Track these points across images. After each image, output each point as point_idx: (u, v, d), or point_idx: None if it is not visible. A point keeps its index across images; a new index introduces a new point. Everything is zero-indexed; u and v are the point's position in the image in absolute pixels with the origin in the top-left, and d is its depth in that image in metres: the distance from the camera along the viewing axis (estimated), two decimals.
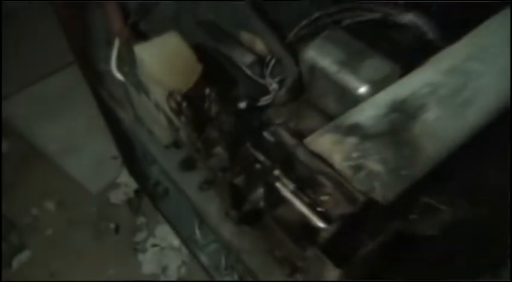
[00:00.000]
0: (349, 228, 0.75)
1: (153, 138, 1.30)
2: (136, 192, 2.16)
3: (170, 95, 0.86)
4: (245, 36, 1.19)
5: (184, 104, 0.86)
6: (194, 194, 1.25)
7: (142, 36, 1.20)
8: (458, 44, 1.00)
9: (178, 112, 0.88)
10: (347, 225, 0.75)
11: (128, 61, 1.17)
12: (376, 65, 1.01)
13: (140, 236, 2.08)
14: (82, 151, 2.30)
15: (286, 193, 0.82)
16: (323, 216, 0.78)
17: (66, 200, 2.18)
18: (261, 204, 0.91)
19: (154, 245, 2.05)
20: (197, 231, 1.79)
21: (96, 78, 1.51)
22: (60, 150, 2.31)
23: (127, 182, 2.18)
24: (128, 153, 1.92)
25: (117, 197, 2.18)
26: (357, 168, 0.79)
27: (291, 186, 0.80)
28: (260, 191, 0.90)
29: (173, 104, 0.87)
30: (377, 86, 0.98)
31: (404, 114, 0.85)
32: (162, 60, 0.91)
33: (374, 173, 0.79)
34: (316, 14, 1.12)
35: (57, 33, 1.50)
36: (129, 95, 1.26)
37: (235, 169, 0.90)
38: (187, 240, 1.87)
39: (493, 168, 1.05)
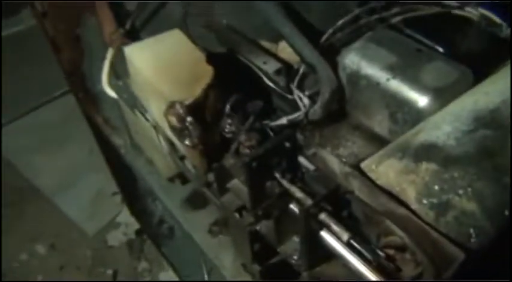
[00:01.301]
0: None
1: (153, 170, 1.07)
2: (138, 232, 1.92)
3: (170, 107, 0.62)
4: (267, 44, 0.97)
5: (188, 119, 0.61)
6: (203, 238, 1.01)
7: None
8: None
9: (180, 131, 0.63)
10: None
11: (122, 74, 0.94)
12: (441, 69, 0.79)
13: None
14: (78, 187, 2.08)
15: (337, 245, 0.56)
16: (391, 276, 0.52)
17: (59, 242, 1.94)
18: (296, 259, 0.65)
19: None
20: (207, 279, 1.53)
21: (90, 102, 1.30)
22: (54, 185, 2.09)
23: (128, 221, 1.93)
24: (128, 188, 1.69)
25: (116, 238, 1.93)
26: (443, 207, 0.54)
27: (345, 236, 0.54)
28: (295, 241, 0.65)
29: (174, 120, 0.62)
30: (445, 96, 0.74)
31: (497, 129, 0.61)
32: (161, 63, 0.69)
33: (467, 214, 0.54)
34: (355, 11, 0.89)
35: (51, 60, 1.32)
36: (124, 117, 1.03)
37: (258, 210, 0.64)
38: None
39: None
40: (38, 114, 2.43)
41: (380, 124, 0.83)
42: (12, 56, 2.45)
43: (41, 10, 1.19)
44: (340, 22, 0.91)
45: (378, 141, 0.81)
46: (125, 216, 1.95)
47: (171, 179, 1.01)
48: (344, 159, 0.82)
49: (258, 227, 0.69)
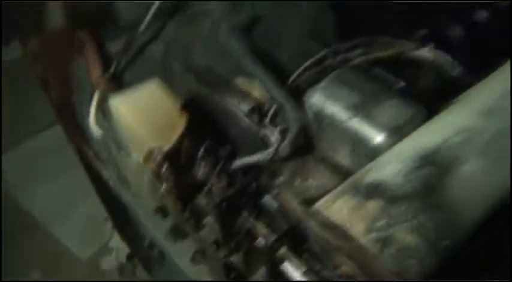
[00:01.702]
0: None
1: (139, 203, 1.14)
2: (129, 257, 1.97)
3: (149, 155, 0.70)
4: (242, 82, 1.05)
5: (165, 166, 0.69)
6: (187, 266, 1.07)
7: (124, 86, 1.06)
8: (492, 79, 0.86)
9: (158, 176, 0.71)
10: None
11: (108, 115, 1.02)
12: (395, 108, 0.86)
13: None
14: (71, 213, 2.13)
15: (297, 276, 0.63)
16: None
17: (53, 268, 1.98)
18: None
19: None
20: None
21: (80, 136, 1.37)
22: (47, 212, 2.14)
23: (119, 246, 1.99)
24: (118, 215, 1.74)
25: (109, 262, 1.98)
26: (387, 240, 0.62)
27: (302, 269, 0.62)
28: (262, 271, 0.72)
29: (153, 166, 0.70)
30: (398, 134, 0.82)
31: (438, 168, 0.69)
32: (140, 114, 0.76)
33: (409, 247, 0.62)
34: (321, 53, 0.98)
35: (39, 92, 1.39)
36: (111, 154, 1.10)
37: (229, 244, 0.72)
38: None
39: None
40: (28, 144, 2.48)
41: (344, 158, 0.91)
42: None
43: (31, 54, 1.27)
44: (306, 63, 0.99)
45: (343, 173, 0.88)
46: (116, 242, 2.00)
47: (155, 211, 1.08)
48: (312, 191, 0.90)
49: (231, 259, 0.76)
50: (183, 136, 0.73)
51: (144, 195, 1.06)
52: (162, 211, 0.93)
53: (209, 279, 0.96)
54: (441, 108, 0.84)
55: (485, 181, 0.70)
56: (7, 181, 2.30)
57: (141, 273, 1.92)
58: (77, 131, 1.37)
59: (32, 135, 2.48)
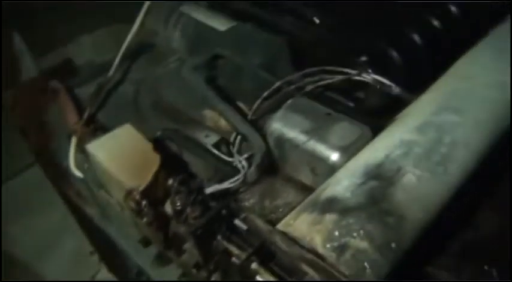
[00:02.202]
0: None
1: (124, 235, 1.21)
2: None
3: (128, 194, 0.79)
4: (209, 115, 1.15)
5: (144, 203, 0.78)
6: None
7: (100, 128, 1.14)
8: (426, 96, 0.97)
9: (139, 212, 0.80)
10: None
11: (86, 157, 1.10)
12: (345, 129, 0.97)
13: None
14: (56, 250, 2.17)
15: None
16: None
17: None
18: None
19: None
20: None
21: (60, 176, 1.43)
22: (33, 252, 2.17)
23: (107, 277, 2.03)
24: (104, 248, 1.80)
25: None
26: (341, 248, 0.71)
27: (272, 279, 0.71)
28: None
29: (132, 204, 0.79)
30: (349, 151, 0.93)
31: (382, 180, 0.79)
32: (116, 157, 0.85)
33: (361, 252, 0.72)
34: (276, 84, 1.08)
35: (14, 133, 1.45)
36: (92, 193, 1.18)
37: (209, 266, 0.80)
38: None
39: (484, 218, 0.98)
40: (10, 183, 2.51)
41: (306, 177, 1.01)
42: None
43: (10, 104, 1.34)
44: (264, 94, 1.09)
45: (307, 190, 0.98)
46: (104, 273, 2.05)
47: (140, 242, 1.16)
48: (281, 209, 0.99)
49: (212, 279, 0.85)
50: (157, 173, 0.81)
51: (127, 229, 1.14)
52: (145, 241, 1.01)
53: None
54: (386, 125, 0.96)
55: (426, 188, 0.80)
56: None
57: None
58: (57, 173, 1.44)
59: (14, 174, 2.51)
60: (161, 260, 1.12)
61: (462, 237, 0.93)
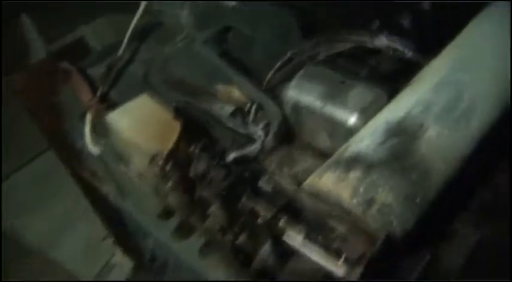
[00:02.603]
0: (374, 268, 0.66)
1: (142, 210, 1.22)
2: (133, 270, 2.03)
3: (152, 160, 0.79)
4: (220, 88, 1.15)
5: (168, 167, 0.78)
6: (196, 262, 1.15)
7: (113, 105, 1.15)
8: (440, 58, 0.97)
9: (163, 177, 0.80)
10: (370, 266, 0.67)
11: (102, 133, 1.10)
12: (361, 92, 0.97)
13: None
14: (69, 237, 2.18)
15: (297, 244, 0.73)
16: (342, 262, 0.69)
17: None
18: (270, 261, 0.82)
19: None
20: None
21: (74, 158, 1.44)
22: (46, 241, 2.18)
23: (122, 262, 2.04)
24: (118, 230, 1.81)
25: (115, 279, 2.04)
26: (368, 203, 0.72)
27: (300, 235, 0.72)
28: (267, 247, 0.82)
29: (157, 169, 0.79)
30: (366, 114, 0.93)
31: (404, 136, 0.80)
32: (138, 125, 0.85)
33: (387, 206, 0.72)
34: (288, 54, 1.09)
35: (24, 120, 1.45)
36: (109, 169, 1.18)
37: (235, 228, 0.81)
38: None
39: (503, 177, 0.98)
40: (18, 174, 2.52)
41: (323, 143, 1.01)
42: None
43: (18, 88, 1.34)
44: (277, 64, 1.10)
45: (324, 156, 0.99)
46: (119, 258, 2.06)
47: (159, 216, 1.16)
48: (299, 175, 1.00)
49: (237, 242, 0.85)
50: (179, 139, 0.82)
51: (145, 203, 1.15)
52: (166, 213, 1.02)
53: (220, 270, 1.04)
54: (402, 88, 0.96)
55: (448, 142, 0.81)
56: (3, 213, 2.33)
57: None
58: (70, 155, 1.44)
59: (22, 166, 2.52)
60: (181, 232, 1.12)
61: (481, 197, 0.94)
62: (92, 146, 1.12)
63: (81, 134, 1.24)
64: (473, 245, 0.87)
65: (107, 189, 1.31)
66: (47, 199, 2.33)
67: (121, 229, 1.77)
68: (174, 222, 1.14)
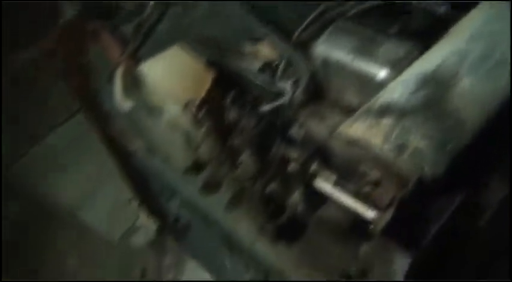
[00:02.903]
0: (406, 212, 0.67)
1: (170, 167, 1.24)
2: (158, 232, 2.08)
3: (186, 106, 0.81)
4: (249, 45, 1.15)
5: (202, 112, 0.80)
6: (221, 217, 1.18)
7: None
8: (474, 12, 0.96)
9: (197, 122, 0.82)
10: (402, 209, 0.68)
11: (133, 89, 1.12)
12: (392, 47, 0.96)
13: (169, 277, 1.98)
14: (96, 200, 2.24)
15: (328, 188, 0.74)
16: (373, 205, 0.71)
17: (88, 251, 2.10)
18: (300, 209, 0.84)
19: None
20: (227, 262, 1.70)
21: (103, 118, 1.47)
22: (73, 201, 2.25)
23: (147, 224, 2.10)
24: (143, 193, 1.85)
25: (139, 240, 2.10)
26: (400, 148, 0.73)
27: (332, 178, 0.73)
28: (297, 194, 0.83)
29: (191, 115, 0.81)
30: (397, 68, 0.92)
31: (438, 85, 0.80)
32: (170, 74, 0.87)
33: (419, 152, 0.73)
34: (319, 9, 1.08)
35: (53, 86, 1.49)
36: (138, 126, 1.21)
37: (265, 176, 0.83)
38: (218, 274, 1.77)
39: None
40: (47, 139, 2.58)
41: (353, 98, 1.01)
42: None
43: (49, 49, 1.37)
44: (308, 19, 1.09)
45: (353, 112, 0.99)
46: (143, 220, 2.11)
47: (186, 172, 1.19)
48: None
49: (268, 190, 0.87)
50: (211, 89, 0.83)
51: (174, 158, 1.17)
52: (196, 166, 1.04)
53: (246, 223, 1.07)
54: (433, 44, 0.95)
55: (482, 91, 0.80)
56: (25, 180, 2.41)
57: (171, 245, 2.04)
58: (100, 115, 1.47)
59: (50, 130, 2.58)
60: (209, 187, 1.15)
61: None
62: (122, 103, 1.13)
63: (110, 94, 1.26)
64: (501, 199, 0.87)
65: (135, 147, 1.34)
66: (77, 161, 2.39)
67: (146, 192, 1.82)
68: (201, 177, 1.17)
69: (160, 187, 1.69)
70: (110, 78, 1.25)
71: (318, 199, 0.80)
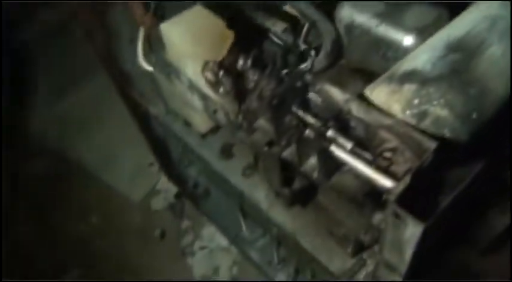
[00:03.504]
0: (422, 181, 0.66)
1: (189, 130, 1.25)
2: (177, 196, 2.12)
3: (205, 65, 0.80)
4: (273, 5, 1.12)
5: (221, 73, 0.79)
6: (239, 181, 1.19)
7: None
8: None
9: (215, 83, 0.81)
10: (419, 178, 0.66)
11: (154, 49, 1.11)
12: (420, 11, 0.92)
13: (187, 240, 2.03)
14: (119, 161, 2.29)
15: (344, 155, 0.73)
16: (390, 173, 0.69)
17: (110, 211, 2.16)
18: (315, 175, 0.83)
19: (202, 248, 1.99)
20: (244, 228, 1.72)
21: (124, 80, 1.48)
22: (97, 162, 2.30)
23: (167, 188, 2.14)
24: (164, 158, 1.88)
25: (159, 203, 2.15)
26: (421, 115, 0.71)
27: (349, 145, 0.71)
28: (313, 160, 0.82)
29: (209, 75, 0.80)
30: (425, 34, 0.88)
31: (465, 52, 0.76)
32: (191, 34, 0.86)
33: (441, 119, 0.70)
34: None
35: (77, 46, 1.50)
36: (159, 87, 1.21)
37: (282, 141, 0.82)
38: (235, 239, 1.80)
39: None
40: (73, 97, 2.62)
41: (376, 64, 0.98)
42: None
43: (73, 10, 1.36)
44: None
45: (375, 79, 0.97)
46: (163, 183, 2.16)
47: (205, 135, 1.19)
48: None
49: (284, 154, 0.86)
50: (232, 48, 0.82)
51: (193, 119, 1.17)
52: (213, 131, 1.04)
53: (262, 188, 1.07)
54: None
55: (508, 61, 0.76)
56: (49, 137, 2.46)
57: (189, 209, 2.07)
58: (120, 76, 1.48)
59: (70, 92, 2.62)
60: (226, 151, 1.15)
61: None
62: (144, 63, 1.13)
63: (132, 55, 1.26)
64: None
65: (155, 110, 1.35)
66: (102, 122, 2.44)
67: (166, 156, 1.84)
68: (219, 142, 1.18)
69: (180, 152, 1.70)
70: (132, 39, 1.25)
71: (334, 166, 0.79)
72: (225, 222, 1.84)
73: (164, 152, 1.83)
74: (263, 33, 1.01)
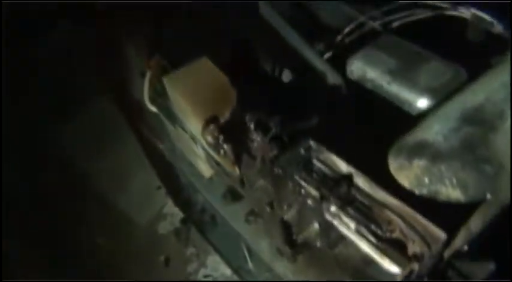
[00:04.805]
0: (430, 268, 0.62)
1: (194, 170, 1.22)
2: (183, 221, 2.10)
3: (206, 127, 0.77)
4: None
5: (221, 138, 0.76)
6: (242, 226, 1.15)
7: (174, 65, 1.12)
8: None
9: (216, 146, 0.78)
10: (425, 266, 0.62)
11: (161, 93, 1.09)
12: (436, 70, 0.88)
13: (192, 267, 2.00)
14: (128, 183, 2.27)
15: (347, 232, 0.69)
16: (394, 258, 0.65)
17: (116, 233, 2.14)
18: (318, 243, 0.79)
19: (206, 276, 1.96)
20: (249, 261, 1.68)
21: (134, 112, 1.46)
22: (106, 185, 2.29)
23: (173, 212, 2.12)
24: (171, 183, 1.86)
25: (165, 227, 2.13)
26: (431, 195, 0.66)
27: (353, 225, 0.67)
28: (315, 225, 0.79)
29: (210, 139, 0.77)
30: (439, 95, 0.84)
31: (481, 125, 0.71)
32: (194, 90, 0.83)
33: (452, 201, 0.66)
34: (360, 19, 1.00)
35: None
36: (165, 127, 1.18)
37: (283, 204, 0.78)
38: (239, 270, 1.76)
39: None
40: (84, 118, 2.61)
41: (385, 125, 0.94)
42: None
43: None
44: (346, 29, 1.02)
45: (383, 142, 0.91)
46: (170, 208, 2.13)
47: (210, 178, 1.16)
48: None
49: (286, 217, 0.83)
50: (234, 108, 0.78)
51: (198, 164, 1.14)
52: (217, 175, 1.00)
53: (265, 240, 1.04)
54: (485, 67, 0.85)
55: None
56: (62, 156, 2.45)
57: (195, 235, 2.04)
58: (131, 108, 1.46)
59: (81, 113, 2.60)
60: (230, 196, 1.12)
61: None
62: (149, 105, 1.11)
63: (142, 90, 1.23)
64: None
65: (163, 147, 1.32)
66: (111, 142, 2.41)
67: (174, 181, 1.82)
68: (224, 185, 1.14)
69: (186, 181, 1.68)
70: (143, 72, 1.22)
71: (337, 235, 0.75)
72: (229, 253, 1.80)
73: (171, 176, 1.81)
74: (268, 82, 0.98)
